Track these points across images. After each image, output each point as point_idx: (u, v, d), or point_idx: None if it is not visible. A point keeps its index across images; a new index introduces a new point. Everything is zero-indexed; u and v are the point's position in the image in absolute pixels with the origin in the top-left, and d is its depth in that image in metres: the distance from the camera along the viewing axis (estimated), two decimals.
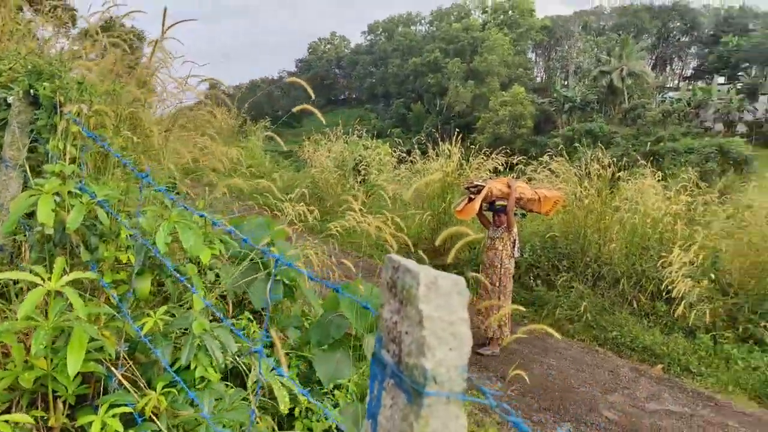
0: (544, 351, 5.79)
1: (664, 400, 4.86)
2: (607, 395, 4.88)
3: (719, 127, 39.06)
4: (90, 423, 1.60)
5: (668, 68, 69.23)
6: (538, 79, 70.58)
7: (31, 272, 1.60)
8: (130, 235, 1.99)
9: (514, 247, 5.64)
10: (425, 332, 0.68)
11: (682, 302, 5.53)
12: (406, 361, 0.70)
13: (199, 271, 2.15)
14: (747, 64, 49.72)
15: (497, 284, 5.63)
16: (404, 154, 10.82)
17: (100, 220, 2.03)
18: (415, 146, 9.86)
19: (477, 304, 5.77)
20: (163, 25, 2.24)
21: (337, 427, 2.18)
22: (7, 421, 1.54)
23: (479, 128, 46.72)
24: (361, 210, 4.03)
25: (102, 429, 1.58)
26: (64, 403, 1.70)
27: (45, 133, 2.53)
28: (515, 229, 5.61)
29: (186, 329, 1.89)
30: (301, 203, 4.28)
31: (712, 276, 5.80)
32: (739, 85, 43.19)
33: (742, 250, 6.12)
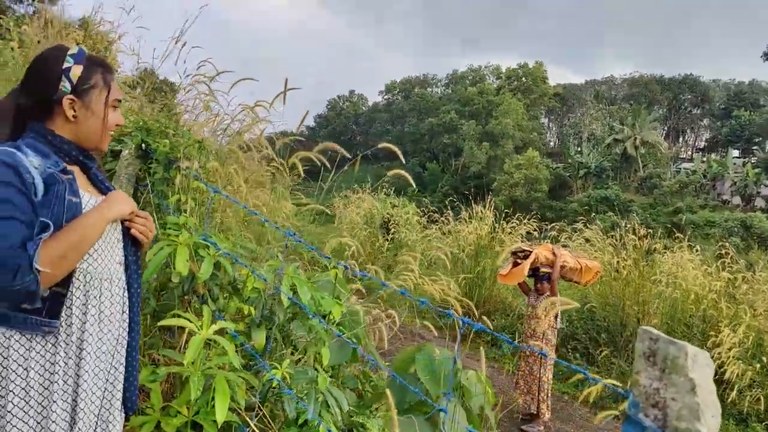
0: (589, 430, 5.63)
1: None
2: None
3: (737, 200, 39.15)
4: None
5: (681, 139, 70.29)
6: (551, 144, 71.90)
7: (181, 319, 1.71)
8: (256, 288, 2.10)
9: (556, 317, 5.59)
10: (698, 399, 0.78)
11: (735, 386, 5.41)
12: (675, 425, 0.79)
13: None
14: (760, 138, 50.43)
15: (538, 355, 5.52)
16: (435, 214, 11.01)
17: (226, 270, 2.16)
18: (448, 207, 10.05)
19: (516, 376, 5.62)
20: (284, 94, 2.45)
21: None
22: None
23: (495, 189, 47.26)
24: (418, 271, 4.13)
25: None
26: None
27: (159, 185, 2.71)
28: (559, 299, 5.61)
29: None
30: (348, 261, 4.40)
31: (765, 359, 5.69)
32: (754, 159, 43.68)
33: None
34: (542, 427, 5.30)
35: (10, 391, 1.21)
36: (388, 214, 11.83)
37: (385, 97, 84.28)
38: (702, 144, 67.38)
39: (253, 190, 4.83)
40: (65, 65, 1.33)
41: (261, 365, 1.86)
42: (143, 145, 2.84)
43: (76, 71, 1.34)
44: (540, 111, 69.04)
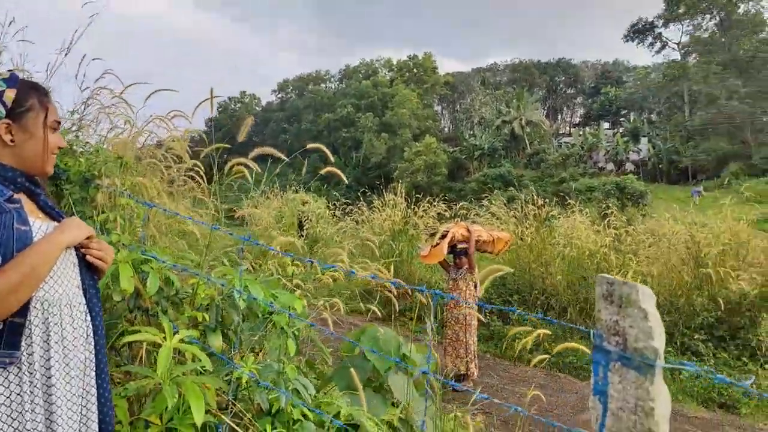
0: (512, 381, 6.14)
1: None
2: (579, 415, 5.29)
3: (611, 166, 43.43)
4: None
5: (559, 117, 76.28)
6: (446, 130, 74.87)
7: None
8: (207, 295, 2.09)
9: (476, 287, 6.04)
10: (650, 324, 0.96)
11: None
12: (633, 346, 0.97)
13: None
14: (626, 111, 56.26)
15: (463, 322, 5.96)
16: (349, 206, 11.14)
17: (171, 283, 2.13)
18: (360, 199, 10.22)
19: (444, 343, 6.04)
20: (211, 102, 2.41)
21: None
22: None
23: (396, 177, 48.36)
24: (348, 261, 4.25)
25: None
26: None
27: (78, 206, 2.56)
28: (476, 270, 6.03)
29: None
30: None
31: None
32: (621, 130, 48.69)
33: (667, 273, 6.97)
34: (471, 384, 5.74)
35: None
36: (299, 211, 11.77)
37: (279, 95, 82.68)
38: (577, 119, 73.61)
39: (177, 202, 4.66)
40: None
41: (230, 365, 1.88)
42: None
43: (10, 94, 1.30)
44: (433, 99, 71.51)
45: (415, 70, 67.77)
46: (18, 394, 1.22)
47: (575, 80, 71.39)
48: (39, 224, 1.29)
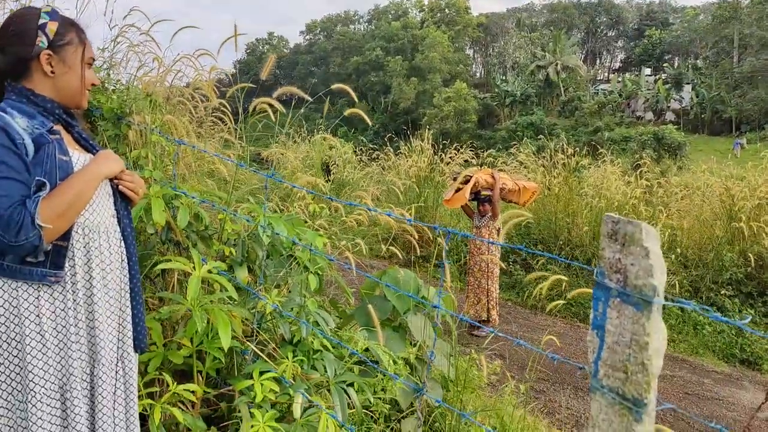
0: (532, 329, 6.26)
1: None
2: None
3: (650, 116, 41.84)
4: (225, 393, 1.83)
5: (598, 62, 73.03)
6: (477, 75, 72.71)
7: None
8: (234, 231, 2.19)
9: (498, 234, 6.06)
10: (651, 261, 0.99)
11: None
12: (634, 283, 1.01)
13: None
14: (669, 56, 53.43)
15: (485, 269, 6.04)
16: (376, 151, 11.13)
17: (200, 217, 2.23)
18: (387, 144, 10.19)
19: (466, 290, 6.14)
20: (236, 39, 2.43)
21: None
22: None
23: (425, 124, 47.71)
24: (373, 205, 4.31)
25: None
26: (202, 376, 1.91)
27: (112, 143, 2.66)
28: (499, 218, 6.03)
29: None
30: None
31: (678, 251, 6.46)
32: (664, 76, 46.44)
33: (698, 226, 6.84)
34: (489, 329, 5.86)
35: (27, 335, 1.29)
36: (326, 155, 11.81)
37: (307, 37, 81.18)
38: (617, 65, 70.41)
39: (205, 142, 4.76)
40: (41, 21, 1.35)
41: (254, 296, 1.99)
42: None
43: (52, 27, 1.36)
44: (465, 42, 69.10)
45: (446, 10, 65.16)
46: (63, 310, 1.34)
47: (617, 21, 67.69)
48: (77, 155, 1.38)
